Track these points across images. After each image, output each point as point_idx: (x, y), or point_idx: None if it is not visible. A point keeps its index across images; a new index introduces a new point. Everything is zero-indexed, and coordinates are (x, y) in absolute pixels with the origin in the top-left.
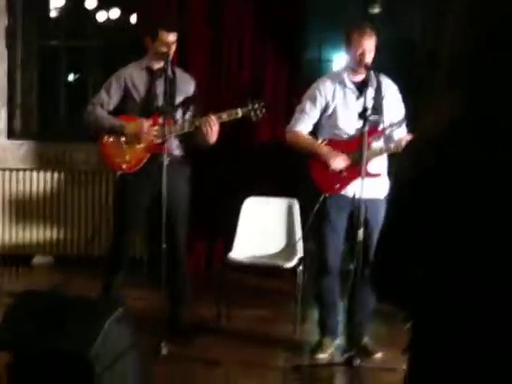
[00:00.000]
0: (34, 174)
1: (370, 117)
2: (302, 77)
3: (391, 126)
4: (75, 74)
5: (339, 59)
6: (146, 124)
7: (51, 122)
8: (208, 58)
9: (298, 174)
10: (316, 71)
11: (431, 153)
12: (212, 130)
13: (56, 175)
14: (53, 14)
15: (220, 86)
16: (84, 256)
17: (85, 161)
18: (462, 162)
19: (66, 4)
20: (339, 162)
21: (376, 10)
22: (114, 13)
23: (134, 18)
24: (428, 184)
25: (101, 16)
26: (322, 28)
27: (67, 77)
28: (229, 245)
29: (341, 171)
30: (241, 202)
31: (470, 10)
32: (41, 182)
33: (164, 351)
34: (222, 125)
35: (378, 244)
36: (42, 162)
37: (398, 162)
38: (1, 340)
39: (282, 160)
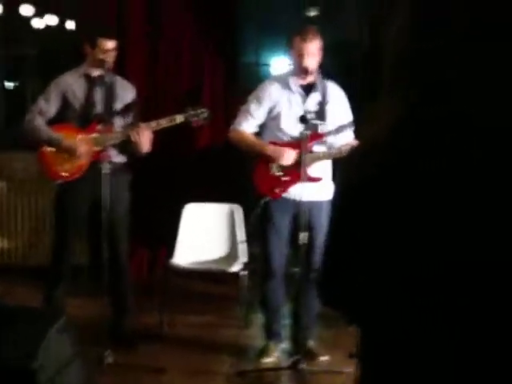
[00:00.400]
0: None
1: (312, 120)
2: (239, 81)
3: (335, 131)
4: (12, 81)
5: (276, 63)
6: (82, 148)
7: None
8: (145, 65)
9: (240, 180)
10: (253, 75)
11: (373, 159)
12: (141, 139)
13: None
14: None
15: (157, 92)
16: (24, 266)
17: (23, 169)
18: (403, 169)
19: (1, 11)
20: (289, 156)
21: (313, 12)
22: (51, 20)
23: (70, 25)
24: (370, 191)
25: (37, 23)
26: (259, 31)
27: (4, 85)
28: (171, 251)
29: (282, 175)
30: (182, 209)
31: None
32: None
33: (108, 360)
34: (160, 132)
35: (324, 248)
36: None
37: (342, 168)
38: None
39: (224, 165)
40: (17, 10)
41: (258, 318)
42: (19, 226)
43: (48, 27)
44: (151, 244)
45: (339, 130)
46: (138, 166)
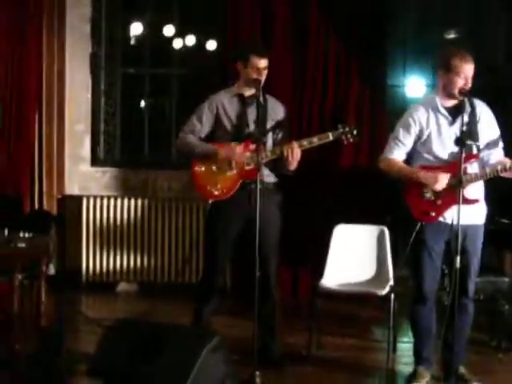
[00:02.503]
0: (118, 201)
1: (467, 142)
2: (384, 103)
3: (487, 149)
4: (157, 101)
5: (411, 85)
6: (238, 148)
7: (134, 149)
8: (291, 85)
9: (388, 201)
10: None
11: None
12: (293, 157)
13: (139, 202)
14: (132, 41)
15: (303, 113)
16: (168, 283)
17: (167, 187)
18: None
19: (144, 31)
20: (441, 183)
21: (452, 35)
22: (190, 40)
23: (210, 45)
24: None
25: (177, 43)
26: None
27: (149, 104)
28: (316, 272)
29: (436, 199)
30: (326, 230)
31: None
32: (124, 209)
33: (258, 381)
34: (307, 152)
35: None
36: (125, 189)
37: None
38: (95, 368)
39: (370, 186)
40: (160, 31)
41: (406, 342)
42: (162, 243)
43: (187, 47)
44: (295, 264)
45: (490, 146)
46: (288, 187)
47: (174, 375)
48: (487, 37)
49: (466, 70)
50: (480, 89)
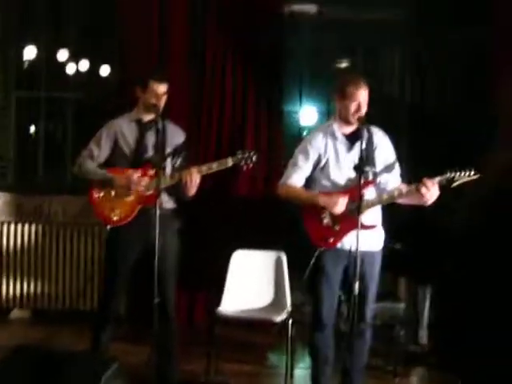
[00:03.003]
0: (12, 226)
1: (366, 168)
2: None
3: (384, 176)
4: (52, 125)
5: (304, 111)
6: (135, 174)
7: (28, 174)
8: (187, 111)
9: (286, 226)
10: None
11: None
12: (192, 183)
13: (33, 227)
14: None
15: (200, 138)
16: (62, 310)
17: (62, 212)
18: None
19: (37, 56)
20: (340, 205)
21: (344, 64)
22: (84, 65)
23: (104, 70)
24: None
25: (70, 68)
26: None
27: (44, 129)
28: (213, 298)
29: (334, 225)
30: (224, 256)
31: None
32: (18, 234)
33: None
34: (204, 178)
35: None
36: (18, 215)
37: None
38: None
39: (267, 212)
40: (53, 56)
41: (303, 368)
42: (57, 269)
43: (81, 72)
44: (191, 291)
45: (387, 172)
46: (186, 212)
47: None
48: (383, 68)
49: (360, 96)
50: (374, 117)
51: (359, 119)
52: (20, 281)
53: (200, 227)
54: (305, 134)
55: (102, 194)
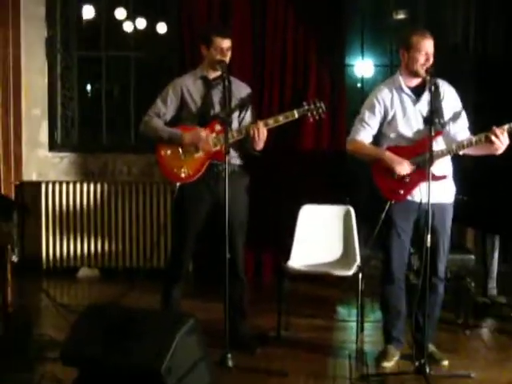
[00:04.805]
0: (77, 186)
1: (436, 120)
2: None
3: (453, 127)
4: (114, 85)
5: (360, 64)
6: (204, 132)
7: (92, 133)
8: (250, 66)
9: (353, 181)
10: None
11: None
12: (259, 137)
13: (99, 187)
14: (85, 24)
15: (263, 92)
16: (130, 269)
17: (127, 171)
18: None
19: (95, 15)
20: (404, 168)
21: (401, 15)
22: (141, 23)
23: (161, 28)
24: None
25: (127, 26)
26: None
27: (107, 88)
28: (281, 254)
29: (404, 177)
30: (290, 211)
31: None
32: (84, 194)
33: (230, 363)
34: (270, 133)
35: None
36: (84, 174)
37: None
38: (67, 356)
39: (334, 167)
40: (112, 14)
41: (373, 321)
42: (123, 228)
43: (138, 30)
44: (258, 246)
45: (455, 123)
46: (252, 169)
47: (150, 359)
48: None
49: (426, 47)
50: (440, 69)
51: (427, 71)
52: (87, 239)
53: (267, 183)
54: (363, 86)
55: (169, 152)
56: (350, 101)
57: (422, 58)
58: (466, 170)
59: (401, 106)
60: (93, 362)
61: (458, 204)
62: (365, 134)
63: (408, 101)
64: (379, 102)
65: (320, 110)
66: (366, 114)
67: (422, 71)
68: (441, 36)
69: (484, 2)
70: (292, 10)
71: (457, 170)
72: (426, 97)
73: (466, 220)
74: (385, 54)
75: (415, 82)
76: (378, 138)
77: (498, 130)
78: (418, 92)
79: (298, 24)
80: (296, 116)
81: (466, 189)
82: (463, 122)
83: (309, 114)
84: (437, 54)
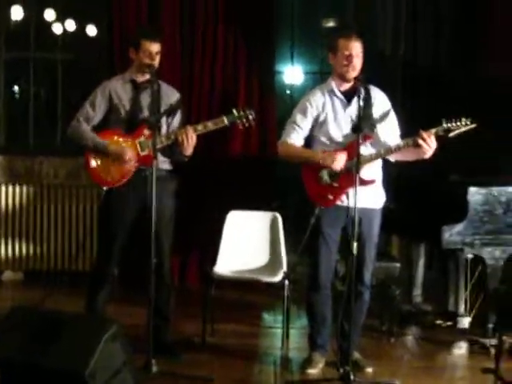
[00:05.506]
0: (3, 187)
1: (363, 125)
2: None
3: (383, 133)
4: (42, 87)
5: (289, 71)
6: (129, 153)
7: (19, 136)
8: (179, 71)
9: (281, 187)
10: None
11: None
12: (188, 142)
13: (24, 189)
14: (13, 25)
15: (192, 97)
16: (54, 272)
17: (54, 174)
18: None
19: (24, 16)
20: (340, 160)
21: (330, 23)
22: (70, 25)
23: (91, 30)
24: None
25: (57, 28)
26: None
27: (34, 90)
28: (206, 259)
29: (332, 182)
30: (217, 217)
31: None
32: (9, 195)
33: (154, 369)
34: (199, 139)
35: None
36: (10, 176)
37: None
38: None
39: (262, 173)
40: (41, 15)
41: (299, 328)
42: (48, 231)
43: (68, 32)
44: (183, 251)
45: (386, 129)
46: (181, 174)
47: (73, 363)
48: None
49: (350, 47)
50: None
51: (357, 78)
52: (12, 242)
53: (195, 188)
54: (292, 93)
55: (97, 156)
56: (279, 107)
57: (346, 59)
58: (392, 177)
59: (332, 110)
60: (14, 364)
61: (384, 211)
62: (296, 136)
63: (339, 105)
64: (311, 105)
65: (250, 117)
66: (298, 117)
67: (348, 74)
68: (370, 42)
69: (413, 10)
70: (222, 15)
71: (384, 178)
72: (356, 101)
73: (391, 227)
74: (314, 61)
75: (347, 85)
76: (308, 142)
77: (425, 134)
78: (349, 96)
79: (228, 29)
80: (226, 122)
81: (392, 196)
82: (394, 127)
83: (238, 121)
84: (366, 59)
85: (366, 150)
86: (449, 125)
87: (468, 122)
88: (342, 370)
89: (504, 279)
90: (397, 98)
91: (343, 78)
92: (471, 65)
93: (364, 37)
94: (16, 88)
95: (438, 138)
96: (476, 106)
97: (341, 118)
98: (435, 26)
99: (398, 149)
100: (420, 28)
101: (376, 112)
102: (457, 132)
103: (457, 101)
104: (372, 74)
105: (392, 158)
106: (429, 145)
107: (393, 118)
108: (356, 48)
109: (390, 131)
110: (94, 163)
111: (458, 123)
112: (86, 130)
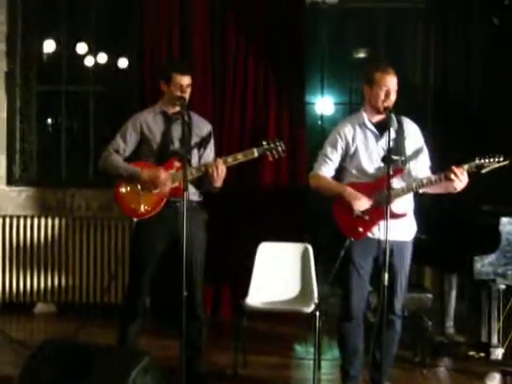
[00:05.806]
0: (35, 220)
1: (394, 157)
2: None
3: (414, 166)
4: (74, 119)
5: (321, 102)
6: (164, 174)
7: (51, 168)
8: (211, 103)
9: (312, 218)
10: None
11: None
12: (218, 174)
13: (56, 221)
14: (45, 58)
15: (223, 130)
16: (86, 304)
17: (85, 206)
18: None
19: (57, 49)
20: (362, 204)
21: (362, 54)
22: (102, 58)
23: (122, 63)
24: None
25: (89, 61)
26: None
27: (66, 122)
28: (238, 290)
29: (363, 215)
30: (249, 248)
31: None
32: (41, 228)
33: None
34: (229, 170)
35: None
36: (42, 209)
37: None
38: None
39: (292, 204)
40: (73, 48)
41: (330, 360)
42: (80, 263)
43: (99, 65)
44: (216, 283)
45: (417, 162)
46: (211, 205)
47: None
48: (403, 55)
49: (388, 82)
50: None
51: (386, 108)
52: (44, 274)
53: (227, 219)
54: (322, 124)
55: (128, 188)
56: (311, 138)
57: (383, 94)
58: (423, 207)
59: (363, 142)
60: None
61: (416, 242)
62: (327, 169)
63: (371, 137)
64: (341, 137)
65: (279, 149)
66: (328, 149)
67: (382, 107)
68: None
69: (443, 40)
70: (252, 48)
71: (416, 209)
72: (387, 133)
73: (423, 258)
74: (345, 91)
75: (379, 117)
76: (341, 173)
77: (456, 169)
78: (381, 128)
79: (259, 62)
80: (256, 155)
81: (424, 227)
82: (426, 161)
83: (268, 153)
84: (399, 91)
85: (397, 183)
86: (482, 161)
87: (501, 159)
88: None
89: None
90: (427, 127)
91: (377, 111)
92: (503, 92)
93: (394, 66)
94: (49, 121)
95: (470, 173)
96: (507, 134)
97: (372, 150)
98: (466, 53)
99: (429, 183)
100: (450, 56)
101: (409, 146)
102: (489, 169)
103: (488, 129)
104: (402, 104)
105: (420, 190)
106: (460, 180)
107: (425, 153)
108: (393, 82)
109: (422, 166)
110: (123, 194)
111: (491, 159)
112: (117, 159)
